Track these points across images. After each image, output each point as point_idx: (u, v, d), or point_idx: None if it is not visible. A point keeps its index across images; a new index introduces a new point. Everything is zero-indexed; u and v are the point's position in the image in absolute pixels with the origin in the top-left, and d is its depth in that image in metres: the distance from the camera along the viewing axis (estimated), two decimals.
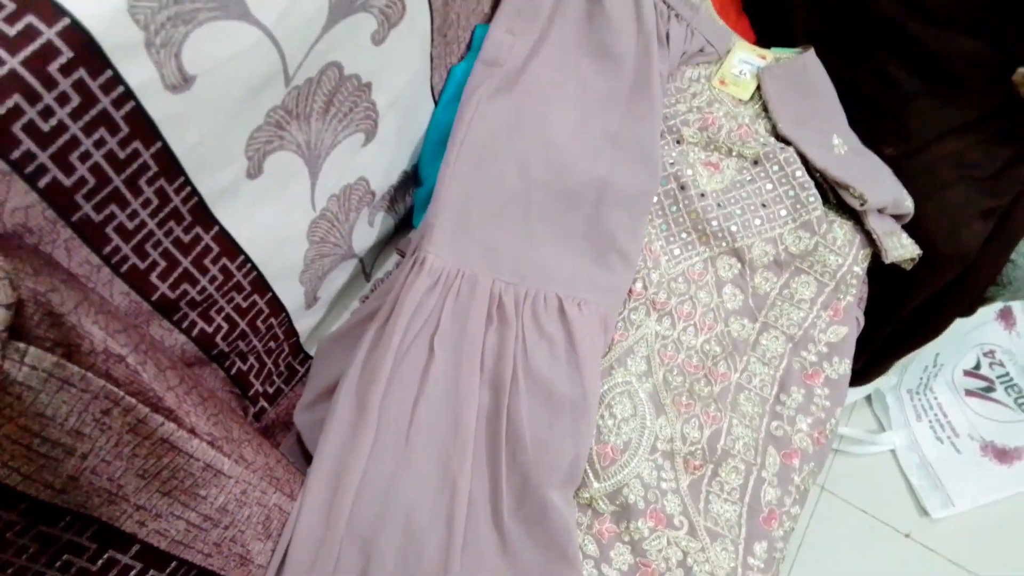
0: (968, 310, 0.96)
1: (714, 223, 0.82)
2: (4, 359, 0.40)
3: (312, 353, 0.82)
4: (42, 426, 0.44)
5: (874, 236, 0.82)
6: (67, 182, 0.47)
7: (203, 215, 0.58)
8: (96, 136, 0.47)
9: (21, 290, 0.41)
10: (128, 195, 0.51)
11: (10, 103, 0.41)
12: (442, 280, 0.73)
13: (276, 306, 0.72)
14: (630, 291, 0.79)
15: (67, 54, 0.43)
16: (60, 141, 0.45)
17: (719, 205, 0.83)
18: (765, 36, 1.02)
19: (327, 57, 0.62)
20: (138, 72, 0.46)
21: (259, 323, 0.71)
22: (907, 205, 0.85)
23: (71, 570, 0.50)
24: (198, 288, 0.62)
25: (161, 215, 0.55)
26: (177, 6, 0.47)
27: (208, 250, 0.61)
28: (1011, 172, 0.88)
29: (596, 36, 0.84)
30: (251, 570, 0.61)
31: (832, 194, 0.85)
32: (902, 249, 0.83)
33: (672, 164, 0.85)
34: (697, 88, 0.91)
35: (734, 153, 0.86)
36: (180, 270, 0.59)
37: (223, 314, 0.66)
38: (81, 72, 0.44)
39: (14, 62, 0.41)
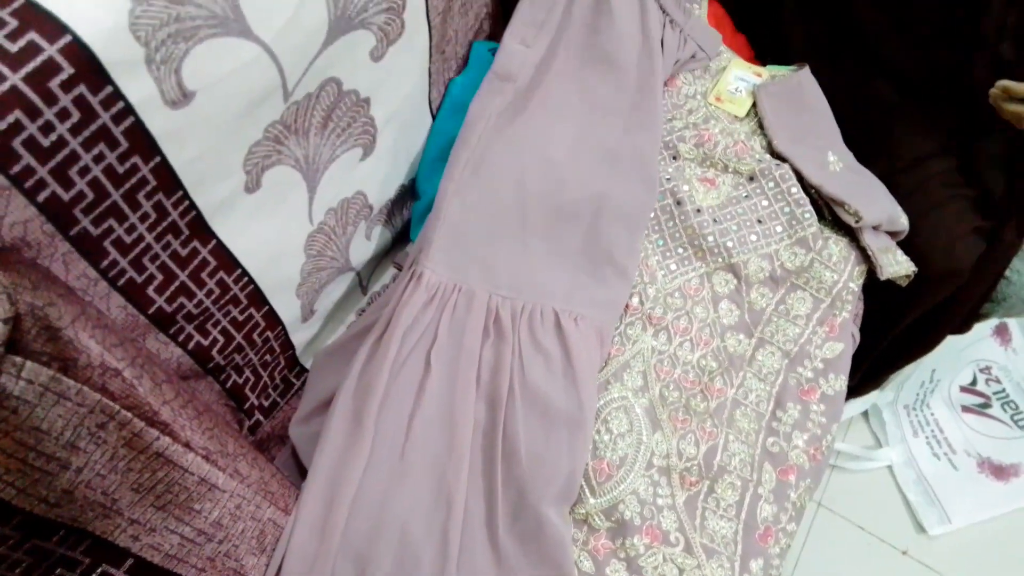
0: (962, 327, 0.96)
1: (710, 239, 0.83)
2: (1, 373, 0.41)
3: (308, 366, 0.82)
4: (37, 440, 0.44)
5: (869, 253, 0.82)
6: (66, 196, 0.47)
7: (201, 229, 0.59)
8: (95, 151, 0.47)
9: (19, 304, 0.41)
10: (126, 209, 0.52)
11: (11, 119, 0.42)
12: (439, 294, 0.73)
13: (272, 319, 0.72)
14: (626, 306, 0.79)
15: (68, 70, 0.43)
16: (60, 156, 0.45)
17: (715, 221, 0.84)
18: (760, 54, 1.03)
19: (326, 73, 0.62)
20: (138, 88, 0.47)
21: (255, 336, 0.71)
22: (902, 222, 0.85)
23: None
24: (195, 301, 0.62)
25: (159, 229, 0.55)
26: (178, 23, 0.47)
27: (205, 263, 0.61)
28: (1004, 190, 0.88)
29: (601, 44, 0.84)
30: None
31: (827, 211, 0.85)
32: (897, 266, 0.83)
33: (668, 180, 0.85)
34: (693, 104, 0.92)
35: (730, 169, 0.86)
36: (177, 283, 0.59)
37: (219, 327, 0.66)
38: (82, 88, 0.44)
39: (15, 78, 0.41)
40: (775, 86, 0.91)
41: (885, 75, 0.93)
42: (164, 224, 0.55)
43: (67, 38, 0.42)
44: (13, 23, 0.41)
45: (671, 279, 0.83)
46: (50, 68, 0.42)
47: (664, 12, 0.88)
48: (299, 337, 0.79)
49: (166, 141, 0.51)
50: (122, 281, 0.55)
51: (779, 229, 0.83)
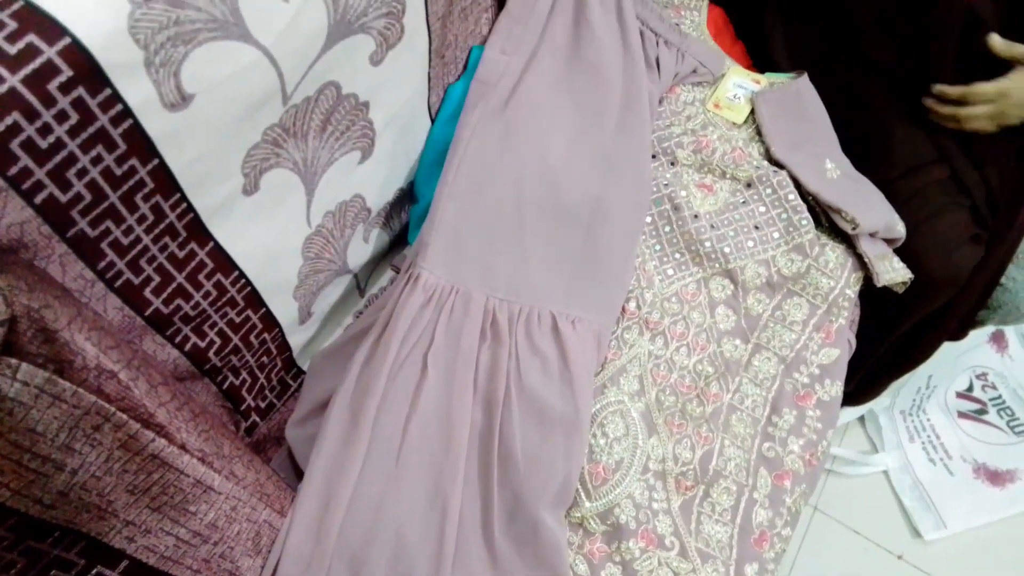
0: (958, 333, 0.97)
1: (707, 244, 0.83)
2: None
3: (305, 368, 0.82)
4: (33, 441, 0.44)
5: (866, 259, 0.82)
6: (63, 198, 0.47)
7: (198, 231, 0.59)
8: (93, 153, 0.47)
9: (15, 306, 0.41)
10: (124, 211, 0.52)
11: (9, 120, 0.42)
12: (436, 297, 0.74)
13: (269, 321, 0.72)
14: (623, 310, 0.80)
15: (67, 73, 0.43)
16: (58, 158, 0.45)
17: (712, 226, 0.84)
18: (759, 62, 1.04)
19: (325, 77, 0.62)
20: (137, 91, 0.47)
21: (252, 338, 0.71)
22: (899, 229, 0.85)
23: None
24: (192, 303, 0.62)
25: (156, 231, 0.55)
26: (177, 26, 0.47)
27: (202, 265, 0.61)
28: (1000, 198, 0.89)
29: (584, 56, 0.85)
30: None
31: (824, 217, 0.85)
32: (894, 273, 0.83)
33: (666, 185, 0.85)
34: (692, 111, 0.92)
35: (728, 175, 0.86)
36: (174, 285, 0.60)
37: (216, 329, 0.66)
38: (80, 90, 0.44)
39: (14, 80, 0.41)
40: (773, 93, 0.92)
41: (876, 77, 0.93)
42: (162, 226, 0.55)
43: (66, 40, 0.42)
44: (12, 25, 0.41)
45: (668, 284, 0.83)
46: (49, 70, 0.42)
47: (656, 34, 0.90)
48: (296, 339, 0.79)
49: (164, 143, 0.51)
50: (119, 283, 0.55)
51: (776, 235, 0.84)
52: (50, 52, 0.42)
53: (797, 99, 0.92)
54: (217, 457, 0.56)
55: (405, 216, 0.90)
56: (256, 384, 0.76)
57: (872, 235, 0.84)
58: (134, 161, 0.50)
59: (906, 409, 1.34)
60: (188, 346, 0.64)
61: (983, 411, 1.32)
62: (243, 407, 0.75)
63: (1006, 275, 0.90)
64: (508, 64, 0.82)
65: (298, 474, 0.71)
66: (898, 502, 1.26)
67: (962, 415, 1.32)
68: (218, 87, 0.52)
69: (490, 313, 0.74)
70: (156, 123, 0.49)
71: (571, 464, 0.69)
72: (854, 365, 0.85)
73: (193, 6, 0.48)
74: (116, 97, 0.46)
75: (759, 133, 0.90)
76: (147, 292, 0.58)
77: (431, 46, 0.76)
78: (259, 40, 0.53)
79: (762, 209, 0.84)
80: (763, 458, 0.77)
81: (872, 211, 0.84)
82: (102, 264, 0.53)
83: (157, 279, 0.58)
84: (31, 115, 0.43)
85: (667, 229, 0.84)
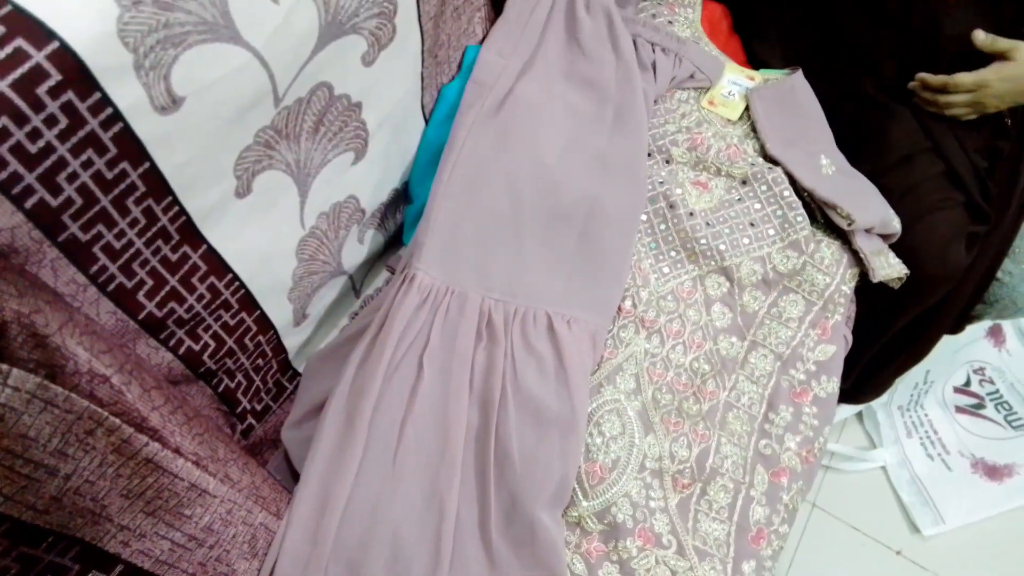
0: (955, 328, 0.97)
1: (703, 242, 0.83)
2: None
3: (301, 370, 0.82)
4: (25, 447, 0.44)
5: (861, 255, 0.82)
6: (54, 203, 0.47)
7: (191, 234, 0.59)
8: (84, 157, 0.47)
9: (5, 311, 0.41)
10: (115, 215, 0.52)
11: None
12: (432, 297, 0.73)
13: (264, 324, 0.72)
14: (619, 309, 0.79)
15: (56, 76, 0.43)
16: (47, 162, 0.45)
17: (708, 224, 0.84)
18: (753, 58, 1.04)
19: (317, 78, 0.62)
20: (126, 94, 0.47)
21: (247, 341, 0.71)
22: (894, 225, 0.85)
23: None
24: (185, 306, 0.62)
25: (148, 234, 0.55)
26: (167, 29, 0.47)
27: (196, 268, 0.61)
28: (995, 192, 0.89)
29: (577, 63, 0.86)
30: None
31: (820, 214, 0.85)
32: (889, 268, 0.83)
33: (661, 183, 0.85)
34: (686, 108, 0.92)
35: (723, 173, 0.86)
36: (167, 289, 0.59)
37: (210, 332, 0.66)
38: (69, 94, 0.44)
39: (2, 85, 0.41)
40: (768, 90, 0.92)
41: (869, 69, 0.93)
42: (154, 229, 0.55)
43: (54, 44, 0.42)
44: (0, 29, 0.41)
45: (664, 282, 0.83)
46: (37, 74, 0.42)
47: (652, 43, 0.90)
48: (291, 341, 0.79)
49: (155, 147, 0.51)
50: (112, 287, 0.55)
51: (772, 232, 0.83)
52: (38, 56, 0.42)
53: (792, 95, 0.92)
54: (212, 460, 0.56)
55: (400, 217, 0.90)
56: (251, 387, 0.76)
57: (867, 231, 0.84)
58: (125, 165, 0.50)
59: (903, 404, 1.34)
60: (182, 349, 0.64)
61: (981, 406, 1.33)
62: (239, 410, 0.75)
63: (1002, 269, 0.90)
64: (505, 67, 0.83)
65: (295, 476, 0.71)
66: (896, 498, 1.26)
67: (960, 410, 1.33)
68: (209, 89, 0.51)
69: (486, 314, 0.74)
70: (147, 126, 0.49)
71: (568, 464, 0.69)
72: (850, 361, 0.85)
73: (183, 8, 0.48)
74: (106, 101, 0.46)
75: (754, 130, 0.90)
76: (140, 296, 0.57)
77: (423, 46, 0.76)
78: (250, 42, 0.53)
79: (757, 206, 0.84)
80: (760, 455, 0.77)
81: (867, 207, 0.84)
82: (94, 268, 0.53)
83: (150, 283, 0.58)
84: (20, 119, 0.43)
85: (662, 227, 0.84)
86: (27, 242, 0.47)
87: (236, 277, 0.65)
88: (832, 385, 0.81)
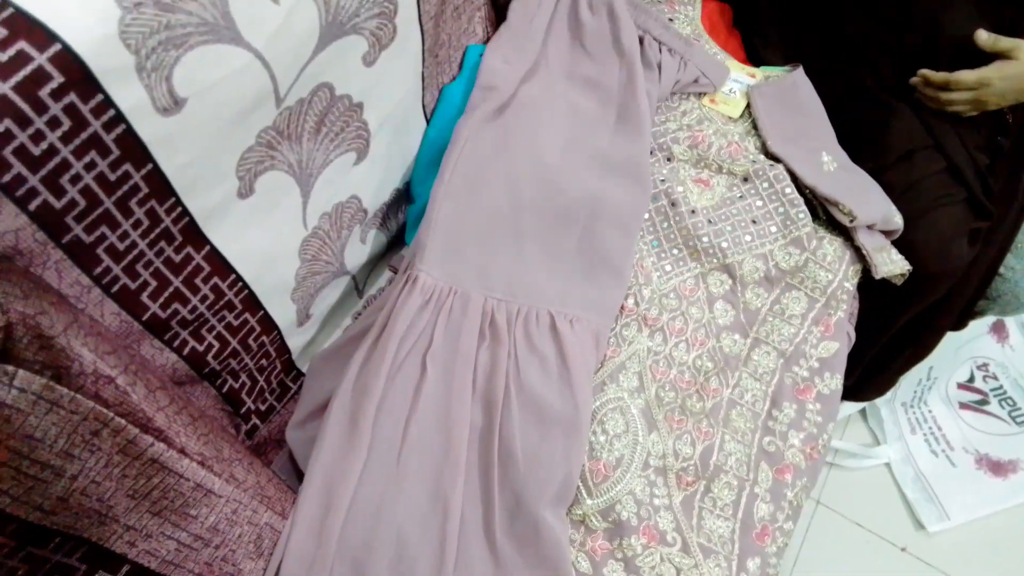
0: (958, 324, 0.97)
1: (705, 239, 0.83)
2: None
3: (304, 370, 0.82)
4: (31, 448, 0.44)
5: (864, 252, 0.82)
6: (57, 205, 0.47)
7: (194, 235, 0.59)
8: (87, 159, 0.47)
9: (10, 313, 0.41)
10: (119, 216, 0.52)
11: (1, 127, 0.42)
12: (435, 298, 0.73)
13: (268, 324, 0.72)
14: (622, 307, 0.79)
15: (58, 79, 0.43)
16: (51, 164, 0.45)
17: (710, 221, 0.84)
18: (754, 56, 1.03)
19: (318, 78, 0.62)
20: (129, 96, 0.47)
21: (251, 341, 0.71)
22: (896, 221, 0.85)
23: None
24: (189, 307, 0.62)
25: (152, 235, 0.55)
26: (168, 31, 0.47)
27: (199, 269, 0.61)
28: (997, 189, 0.89)
29: (581, 64, 0.86)
30: None
31: (822, 210, 0.85)
32: (892, 265, 0.83)
33: (663, 181, 0.85)
34: (687, 106, 0.92)
35: (724, 170, 0.86)
36: (171, 290, 0.60)
37: (214, 332, 0.66)
38: (72, 96, 0.44)
39: (5, 87, 0.41)
40: (769, 87, 0.92)
41: (876, 73, 0.93)
42: (157, 230, 0.55)
43: (57, 47, 0.42)
44: (2, 32, 0.41)
45: (666, 280, 0.83)
46: (40, 77, 0.42)
47: (660, 42, 0.90)
48: (295, 341, 0.79)
49: (158, 148, 0.51)
50: (116, 288, 0.55)
51: (774, 229, 0.83)
52: (41, 59, 0.42)
53: (793, 92, 0.92)
54: (217, 460, 0.56)
55: (402, 216, 0.90)
56: (256, 387, 0.76)
57: (870, 227, 0.84)
58: (128, 166, 0.50)
59: (907, 401, 1.34)
60: (186, 350, 0.64)
61: (984, 401, 1.32)
62: (243, 410, 0.75)
63: (1004, 265, 0.90)
64: (509, 72, 0.83)
65: (299, 476, 0.71)
66: (901, 494, 1.26)
67: (963, 406, 1.32)
68: (211, 90, 0.52)
69: (488, 314, 0.74)
70: (149, 128, 0.49)
71: (571, 462, 0.69)
72: (854, 358, 0.85)
73: (184, 10, 0.48)
74: (108, 102, 0.46)
75: (755, 127, 0.90)
76: (144, 297, 0.58)
77: (424, 46, 0.76)
78: (251, 43, 0.53)
79: (759, 203, 0.84)
80: (764, 452, 0.77)
81: (869, 203, 0.84)
82: (98, 270, 0.53)
83: (154, 284, 0.58)
84: (23, 122, 0.43)
85: (664, 225, 0.84)
86: (31, 244, 0.47)
87: (239, 278, 0.65)
88: (835, 382, 0.81)
